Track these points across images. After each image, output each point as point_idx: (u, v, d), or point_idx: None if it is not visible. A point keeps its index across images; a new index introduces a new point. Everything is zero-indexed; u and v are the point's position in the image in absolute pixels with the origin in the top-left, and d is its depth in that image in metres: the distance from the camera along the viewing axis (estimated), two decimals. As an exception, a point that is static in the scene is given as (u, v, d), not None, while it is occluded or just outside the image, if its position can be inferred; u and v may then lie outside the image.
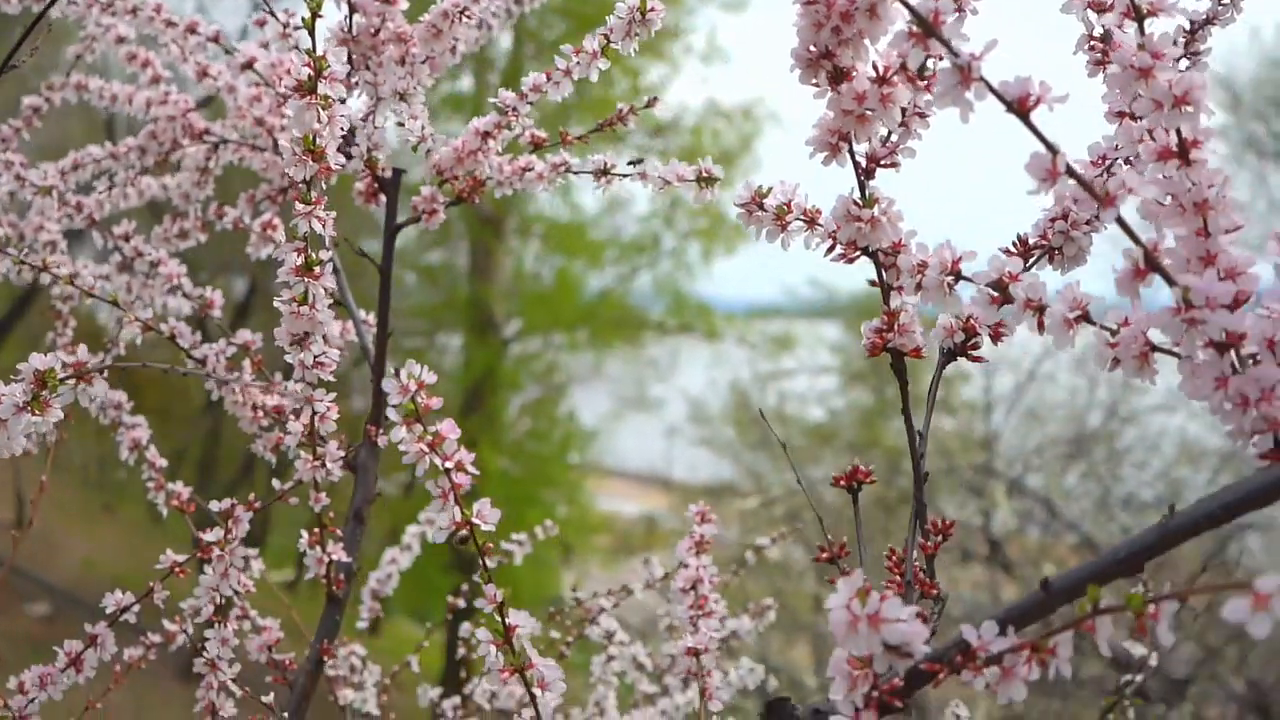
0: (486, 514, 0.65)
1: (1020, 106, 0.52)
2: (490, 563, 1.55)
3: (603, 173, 0.98)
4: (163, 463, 1.11)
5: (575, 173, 1.00)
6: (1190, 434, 7.39)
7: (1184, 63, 0.74)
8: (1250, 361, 0.54)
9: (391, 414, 0.63)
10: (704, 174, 0.89)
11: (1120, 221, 0.52)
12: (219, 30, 1.13)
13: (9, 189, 1.17)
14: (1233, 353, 0.54)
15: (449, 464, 0.64)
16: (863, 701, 0.55)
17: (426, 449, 0.63)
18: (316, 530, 0.98)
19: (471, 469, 0.65)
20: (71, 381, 0.68)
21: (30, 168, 1.18)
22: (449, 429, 0.64)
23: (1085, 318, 0.57)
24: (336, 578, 1.01)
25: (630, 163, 0.94)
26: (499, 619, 0.67)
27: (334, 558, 0.99)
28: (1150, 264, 0.53)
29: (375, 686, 1.33)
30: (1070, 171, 0.52)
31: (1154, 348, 0.56)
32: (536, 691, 0.66)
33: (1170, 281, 0.52)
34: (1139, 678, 1.17)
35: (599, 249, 11.69)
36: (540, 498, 10.18)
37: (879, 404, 9.14)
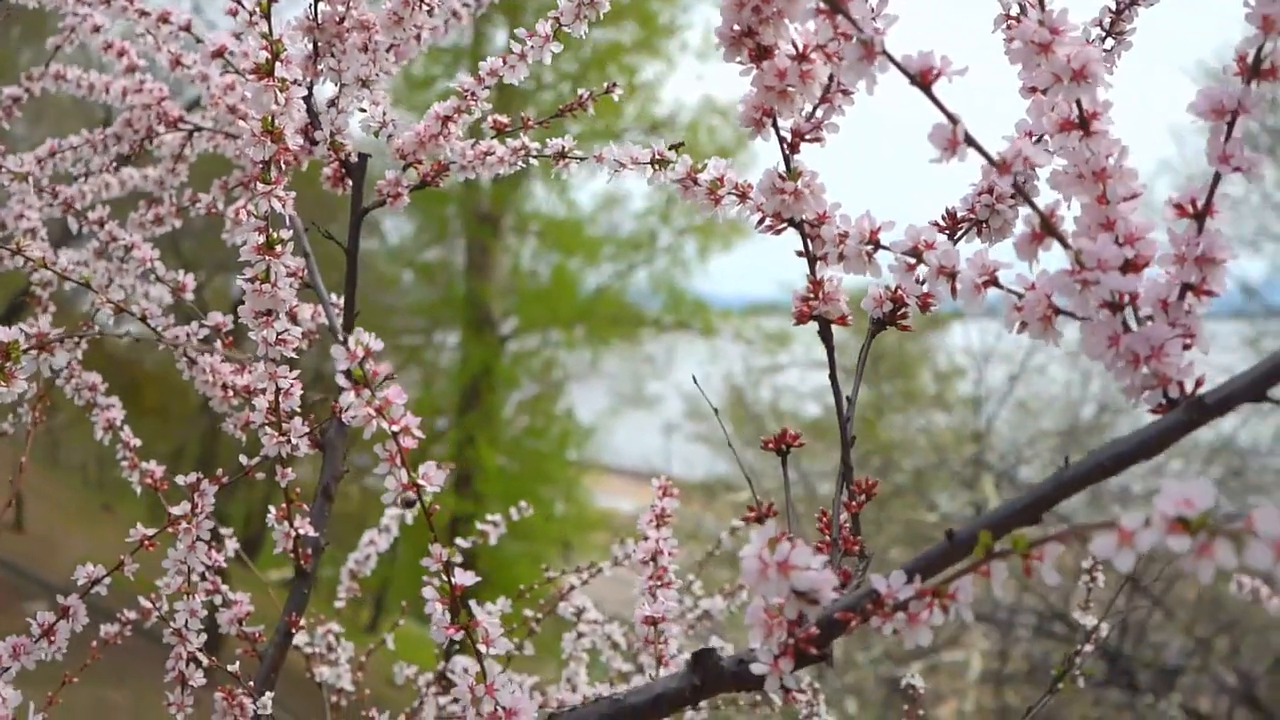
0: (432, 476, 0.68)
1: (923, 79, 0.54)
2: (469, 545, 1.55)
3: (560, 156, 1.01)
4: (136, 442, 1.14)
5: (535, 157, 1.03)
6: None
7: (1109, 42, 0.77)
8: (1148, 322, 0.57)
9: (340, 380, 0.66)
10: (657, 157, 0.91)
11: (1018, 188, 0.55)
12: (190, 19, 1.16)
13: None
14: (1130, 313, 0.57)
15: (396, 428, 0.66)
16: (779, 649, 0.57)
17: (374, 413, 0.66)
18: (284, 505, 1.01)
19: (418, 433, 0.67)
20: (34, 352, 0.71)
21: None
22: (396, 394, 0.67)
23: (993, 282, 0.60)
24: (304, 552, 1.03)
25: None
26: (445, 579, 0.70)
27: (301, 532, 1.02)
28: (1046, 229, 0.55)
29: (349, 663, 1.36)
30: (970, 141, 0.54)
31: (1058, 310, 0.58)
32: (481, 647, 0.69)
33: (1065, 245, 0.55)
34: (1088, 648, 1.20)
35: (596, 246, 11.72)
36: (538, 495, 10.21)
37: (874, 400, 9.17)
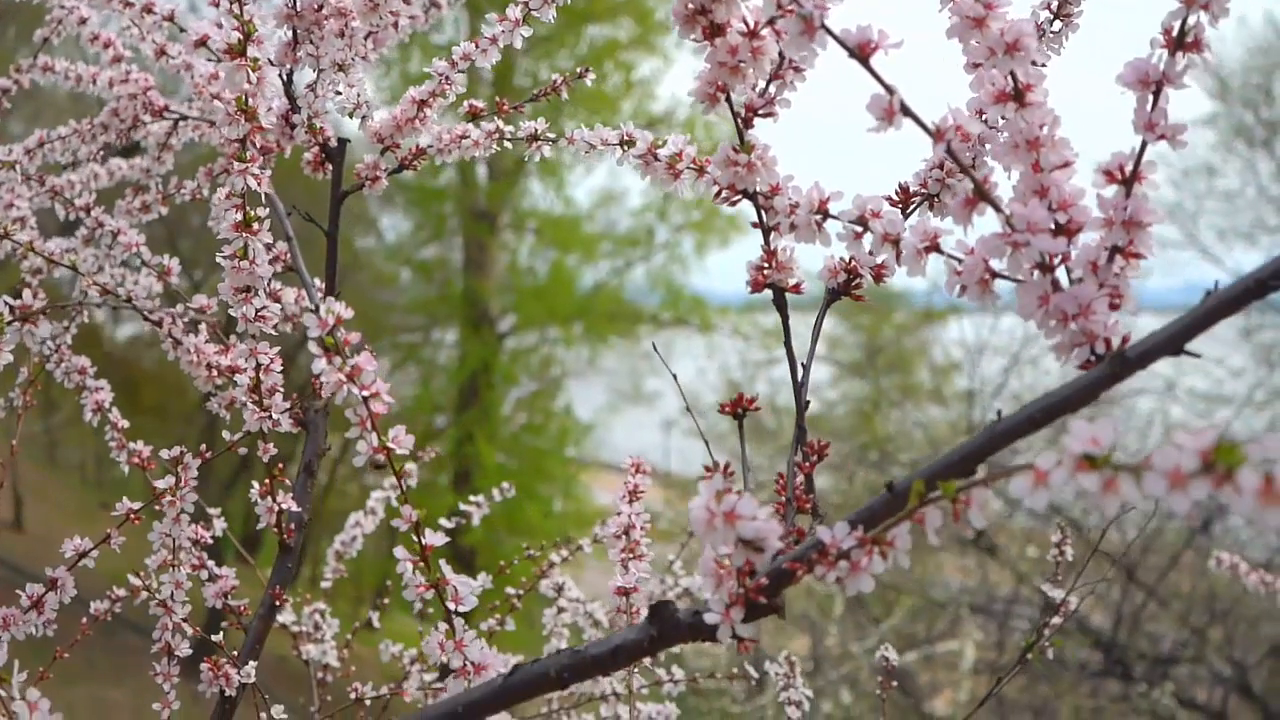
0: (401, 439, 0.71)
1: (861, 52, 0.57)
2: (454, 526, 1.57)
3: (533, 138, 1.04)
4: (125, 424, 1.16)
5: (509, 140, 1.05)
6: (1174, 417, 7.49)
7: (1057, 24, 0.79)
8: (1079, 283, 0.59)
9: (312, 347, 0.68)
10: (626, 138, 0.94)
11: (951, 154, 0.58)
12: (174, 9, 1.18)
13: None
14: (1064, 275, 0.60)
15: (367, 393, 0.69)
16: (730, 598, 0.60)
17: (345, 379, 0.69)
18: (267, 481, 1.03)
19: (388, 398, 0.70)
20: (17, 324, 0.74)
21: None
22: (366, 361, 0.69)
23: (935, 248, 0.63)
24: (287, 527, 1.06)
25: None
26: (416, 539, 0.72)
27: (284, 507, 1.04)
28: (979, 194, 0.58)
29: (334, 639, 1.39)
30: (905, 110, 0.57)
31: (994, 274, 0.61)
32: (450, 605, 0.72)
33: (997, 209, 0.58)
34: (1058, 620, 1.23)
35: (593, 243, 11.76)
36: (537, 492, 10.25)
37: (872, 394, 9.20)
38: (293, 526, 1.06)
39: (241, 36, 0.80)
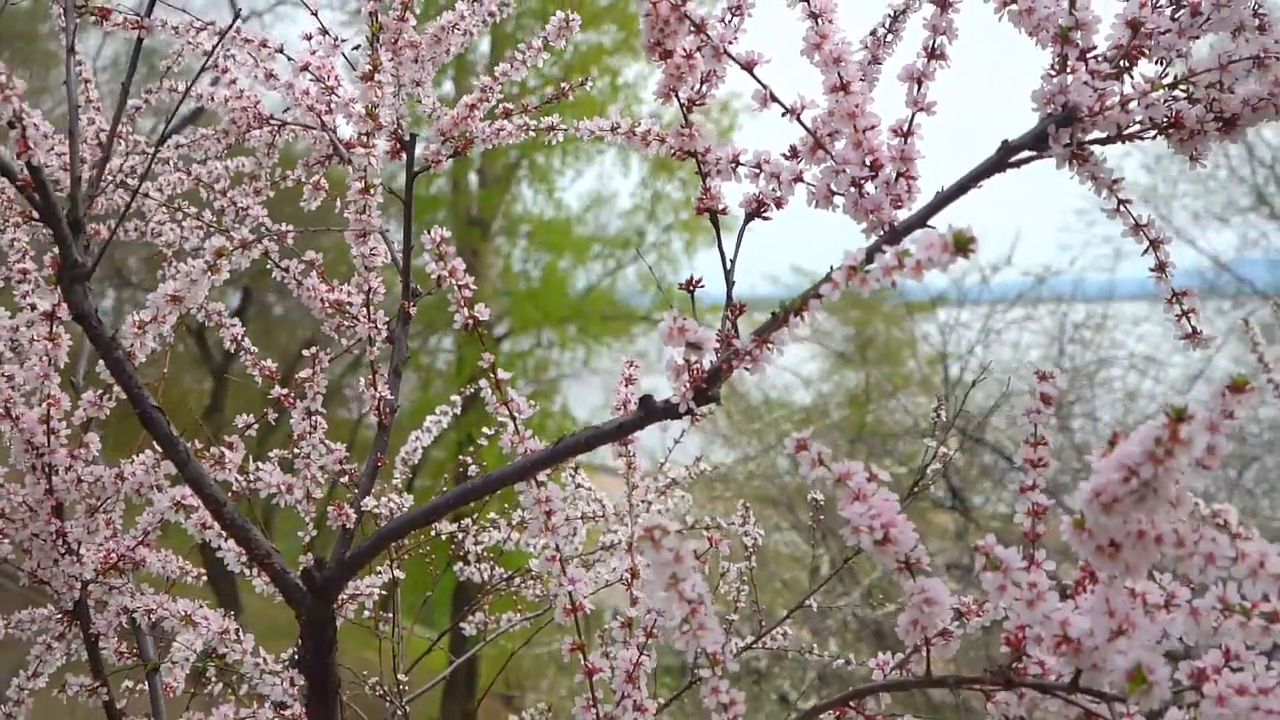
0: (483, 310, 1.14)
1: (748, 65, 1.00)
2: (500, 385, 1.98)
3: (551, 129, 1.48)
4: (254, 349, 1.59)
5: (533, 130, 1.49)
6: (1146, 390, 7.95)
7: (890, 36, 1.22)
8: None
9: (427, 256, 1.12)
10: (615, 124, 1.37)
11: (800, 123, 1.01)
12: (282, 44, 1.61)
13: (133, 163, 1.65)
14: (871, 188, 1.03)
15: (461, 282, 1.12)
16: (685, 387, 1.03)
17: (448, 275, 1.12)
18: (370, 376, 1.47)
19: (473, 286, 1.13)
20: (239, 250, 1.17)
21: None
22: (460, 264, 1.13)
23: (799, 179, 1.06)
24: (385, 411, 1.49)
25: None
26: (493, 376, 1.15)
27: (383, 395, 1.48)
28: (817, 144, 1.02)
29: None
30: (773, 98, 1.00)
31: (832, 191, 1.04)
32: (516, 414, 1.15)
33: (828, 152, 1.01)
34: (936, 466, 1.66)
35: (584, 245, 12.18)
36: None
37: (864, 385, 9.61)
38: (389, 410, 1.49)
39: (372, 67, 1.23)
